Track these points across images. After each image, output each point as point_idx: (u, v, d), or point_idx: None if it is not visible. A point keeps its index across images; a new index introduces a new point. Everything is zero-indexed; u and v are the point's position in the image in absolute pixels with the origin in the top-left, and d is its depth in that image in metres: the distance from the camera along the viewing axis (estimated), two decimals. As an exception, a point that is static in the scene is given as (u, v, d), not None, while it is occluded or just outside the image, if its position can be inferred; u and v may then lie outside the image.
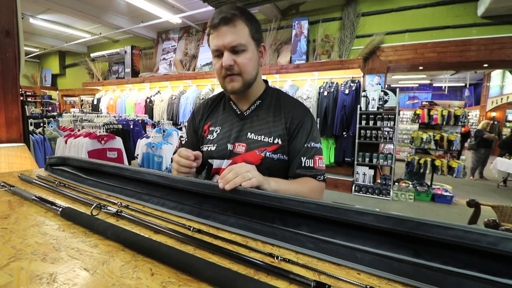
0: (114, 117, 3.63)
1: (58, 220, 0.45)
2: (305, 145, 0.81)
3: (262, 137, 0.82)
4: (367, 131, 4.06)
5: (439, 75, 11.04)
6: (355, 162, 4.15)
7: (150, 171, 0.57)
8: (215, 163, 0.86)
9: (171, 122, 3.80)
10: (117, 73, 7.15)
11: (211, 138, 0.87)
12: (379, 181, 4.18)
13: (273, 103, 0.87)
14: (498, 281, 0.28)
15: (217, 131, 0.87)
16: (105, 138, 2.54)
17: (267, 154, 0.80)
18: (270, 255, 0.36)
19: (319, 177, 0.81)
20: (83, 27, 6.73)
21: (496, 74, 9.48)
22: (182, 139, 0.98)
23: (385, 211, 0.35)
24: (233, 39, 0.74)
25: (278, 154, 0.81)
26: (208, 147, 0.87)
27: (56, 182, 0.63)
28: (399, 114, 4.32)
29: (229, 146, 0.83)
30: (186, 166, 0.73)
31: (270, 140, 0.81)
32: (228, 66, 0.75)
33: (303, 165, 0.80)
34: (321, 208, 0.39)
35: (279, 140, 0.81)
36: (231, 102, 0.90)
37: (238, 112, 0.87)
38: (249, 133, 0.83)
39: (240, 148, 0.82)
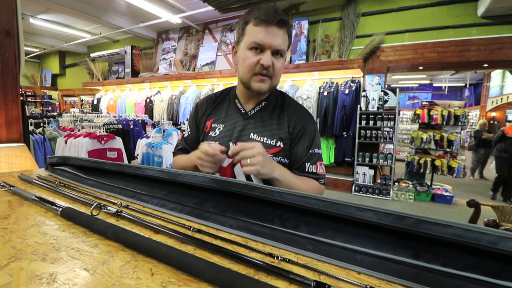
0: (114, 117, 3.63)
1: (58, 220, 0.45)
2: (310, 151, 0.82)
3: (265, 138, 0.82)
4: (367, 131, 4.06)
5: (439, 75, 11.04)
6: (355, 162, 4.16)
7: (151, 167, 0.57)
8: None
9: (171, 122, 3.80)
10: (117, 73, 7.15)
11: (213, 135, 0.87)
12: (379, 181, 4.18)
13: (277, 105, 0.88)
14: (498, 284, 0.28)
15: (219, 128, 0.87)
16: (105, 138, 2.54)
17: (270, 156, 0.80)
18: (270, 255, 0.36)
19: (320, 180, 0.83)
20: (83, 27, 6.73)
21: (496, 74, 9.48)
22: (184, 132, 0.98)
23: (385, 208, 0.35)
24: (281, 43, 0.75)
25: (280, 157, 0.82)
26: (210, 143, 0.87)
27: (56, 182, 0.63)
28: (399, 114, 4.32)
29: (231, 145, 0.83)
30: (211, 157, 0.71)
31: (273, 142, 0.81)
32: (267, 66, 0.75)
33: (306, 170, 0.81)
34: (321, 203, 0.39)
35: (281, 143, 0.82)
36: (236, 100, 0.89)
37: (243, 111, 0.87)
38: (252, 134, 0.83)
39: None
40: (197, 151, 0.74)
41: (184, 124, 1.00)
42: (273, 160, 0.81)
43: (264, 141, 0.82)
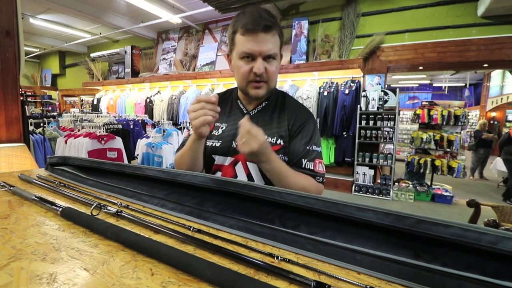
0: (114, 117, 3.63)
1: (58, 220, 0.45)
2: (307, 148, 0.82)
3: (266, 137, 0.83)
4: (367, 131, 4.06)
5: (439, 75, 11.04)
6: (355, 162, 4.15)
7: (151, 167, 0.57)
8: (218, 159, 0.87)
9: (171, 122, 3.80)
10: (117, 73, 7.15)
11: (216, 133, 0.88)
12: (379, 181, 4.18)
13: (278, 105, 0.89)
14: (498, 284, 0.28)
15: (222, 127, 0.89)
16: (105, 138, 2.54)
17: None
18: (270, 255, 0.36)
19: (318, 178, 0.82)
20: (83, 27, 6.73)
21: (496, 74, 9.48)
22: (190, 130, 0.99)
23: (385, 208, 0.35)
24: (270, 48, 0.75)
25: (280, 155, 0.82)
26: (213, 142, 0.88)
27: (56, 182, 0.63)
28: (399, 114, 4.32)
29: (233, 144, 0.84)
30: (206, 102, 0.70)
31: (273, 140, 0.82)
32: (260, 74, 0.76)
33: (303, 166, 0.81)
34: (321, 203, 0.39)
35: (281, 141, 0.83)
36: (238, 101, 0.91)
37: (244, 111, 0.89)
38: None
39: None
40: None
41: (189, 124, 1.01)
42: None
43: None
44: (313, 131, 0.84)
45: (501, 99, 9.12)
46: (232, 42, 0.80)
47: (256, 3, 4.13)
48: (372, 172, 4.14)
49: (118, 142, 2.66)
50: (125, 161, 2.73)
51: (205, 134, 0.74)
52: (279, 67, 0.82)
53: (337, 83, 4.25)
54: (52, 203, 0.48)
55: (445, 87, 11.99)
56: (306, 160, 0.81)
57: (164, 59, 6.40)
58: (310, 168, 0.81)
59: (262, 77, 0.77)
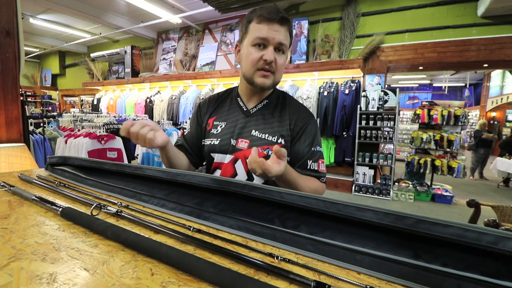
0: (114, 117, 3.63)
1: (58, 220, 0.45)
2: (312, 149, 0.83)
3: (267, 135, 0.83)
4: (367, 131, 4.06)
5: (439, 75, 11.04)
6: (355, 162, 4.15)
7: (151, 167, 0.57)
8: (217, 157, 0.87)
9: (171, 122, 3.80)
10: (117, 73, 7.15)
11: (215, 132, 0.88)
12: (379, 181, 4.18)
13: (279, 104, 0.89)
14: (498, 284, 0.28)
15: (221, 125, 0.88)
16: (105, 138, 2.54)
17: (270, 153, 0.81)
18: (270, 255, 0.36)
19: (322, 178, 0.84)
20: (83, 27, 6.73)
21: (496, 74, 9.48)
22: (185, 130, 1.00)
23: (385, 208, 0.35)
24: (283, 39, 0.77)
25: None
26: (211, 141, 0.88)
27: (56, 182, 0.63)
28: (399, 114, 4.32)
29: (232, 142, 0.84)
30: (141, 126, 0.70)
31: (274, 139, 0.82)
32: (270, 61, 0.77)
33: (308, 167, 0.82)
34: (321, 203, 0.39)
35: (283, 140, 0.83)
36: (238, 98, 0.91)
37: (244, 109, 0.89)
38: (253, 130, 0.84)
39: (243, 144, 0.83)
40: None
41: (186, 123, 1.02)
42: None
43: (266, 138, 0.82)
44: (315, 132, 0.85)
45: (501, 99, 9.12)
46: (245, 31, 0.81)
47: (256, 3, 4.13)
48: (372, 172, 4.14)
49: (118, 142, 2.66)
50: (125, 161, 2.73)
51: (158, 146, 0.74)
52: (285, 64, 0.83)
53: (337, 83, 4.25)
54: (52, 203, 0.48)
55: (445, 87, 11.99)
56: (311, 161, 0.82)
57: (164, 59, 6.40)
58: (315, 168, 0.82)
59: (271, 66, 0.78)
